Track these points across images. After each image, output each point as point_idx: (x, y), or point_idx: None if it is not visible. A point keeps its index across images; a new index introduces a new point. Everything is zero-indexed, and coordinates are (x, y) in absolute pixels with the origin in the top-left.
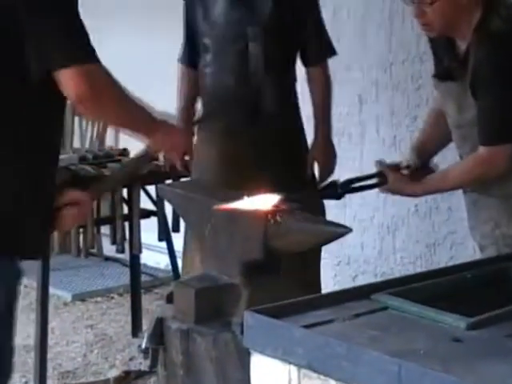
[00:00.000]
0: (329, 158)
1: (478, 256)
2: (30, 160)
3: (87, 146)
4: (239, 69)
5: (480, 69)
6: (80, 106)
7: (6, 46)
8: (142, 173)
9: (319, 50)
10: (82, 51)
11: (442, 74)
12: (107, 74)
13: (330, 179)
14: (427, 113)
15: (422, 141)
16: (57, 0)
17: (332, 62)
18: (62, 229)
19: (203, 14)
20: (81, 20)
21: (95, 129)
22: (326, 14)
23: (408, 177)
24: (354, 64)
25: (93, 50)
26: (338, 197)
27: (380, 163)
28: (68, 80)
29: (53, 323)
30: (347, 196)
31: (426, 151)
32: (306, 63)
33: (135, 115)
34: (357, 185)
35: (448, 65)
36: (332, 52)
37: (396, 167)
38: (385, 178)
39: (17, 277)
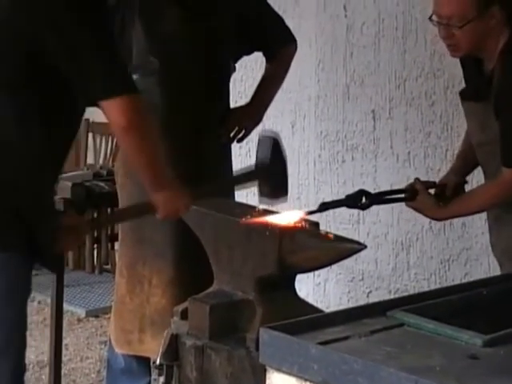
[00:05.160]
0: (251, 123)
1: (492, 272)
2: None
3: (101, 162)
4: None
5: (503, 90)
6: (124, 133)
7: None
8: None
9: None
10: (125, 81)
11: (468, 93)
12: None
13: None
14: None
15: (459, 161)
16: (93, 33)
17: (346, 78)
18: (57, 250)
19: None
20: (117, 45)
21: (109, 145)
22: (341, 31)
23: (435, 199)
24: (368, 80)
25: (132, 79)
26: (363, 207)
27: (417, 180)
28: (114, 110)
29: (67, 339)
30: (361, 212)
31: (462, 170)
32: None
33: (159, 156)
34: (384, 197)
35: (474, 84)
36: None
37: (431, 185)
38: (414, 194)
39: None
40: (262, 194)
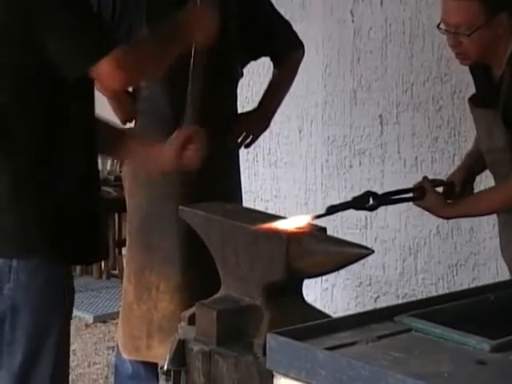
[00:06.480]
0: (258, 129)
1: (500, 277)
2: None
3: (108, 167)
4: None
5: None
6: (123, 85)
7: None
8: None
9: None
10: (103, 43)
11: (477, 100)
12: (131, 50)
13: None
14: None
15: (470, 160)
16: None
17: (353, 83)
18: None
19: None
20: (90, 7)
21: None
22: (348, 36)
23: (443, 197)
24: (375, 85)
25: (109, 36)
26: (371, 209)
27: (425, 178)
28: (101, 74)
29: (74, 345)
30: (368, 217)
31: (471, 170)
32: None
33: (167, 50)
34: (392, 197)
35: (483, 91)
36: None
37: (439, 183)
38: (423, 193)
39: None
40: None
